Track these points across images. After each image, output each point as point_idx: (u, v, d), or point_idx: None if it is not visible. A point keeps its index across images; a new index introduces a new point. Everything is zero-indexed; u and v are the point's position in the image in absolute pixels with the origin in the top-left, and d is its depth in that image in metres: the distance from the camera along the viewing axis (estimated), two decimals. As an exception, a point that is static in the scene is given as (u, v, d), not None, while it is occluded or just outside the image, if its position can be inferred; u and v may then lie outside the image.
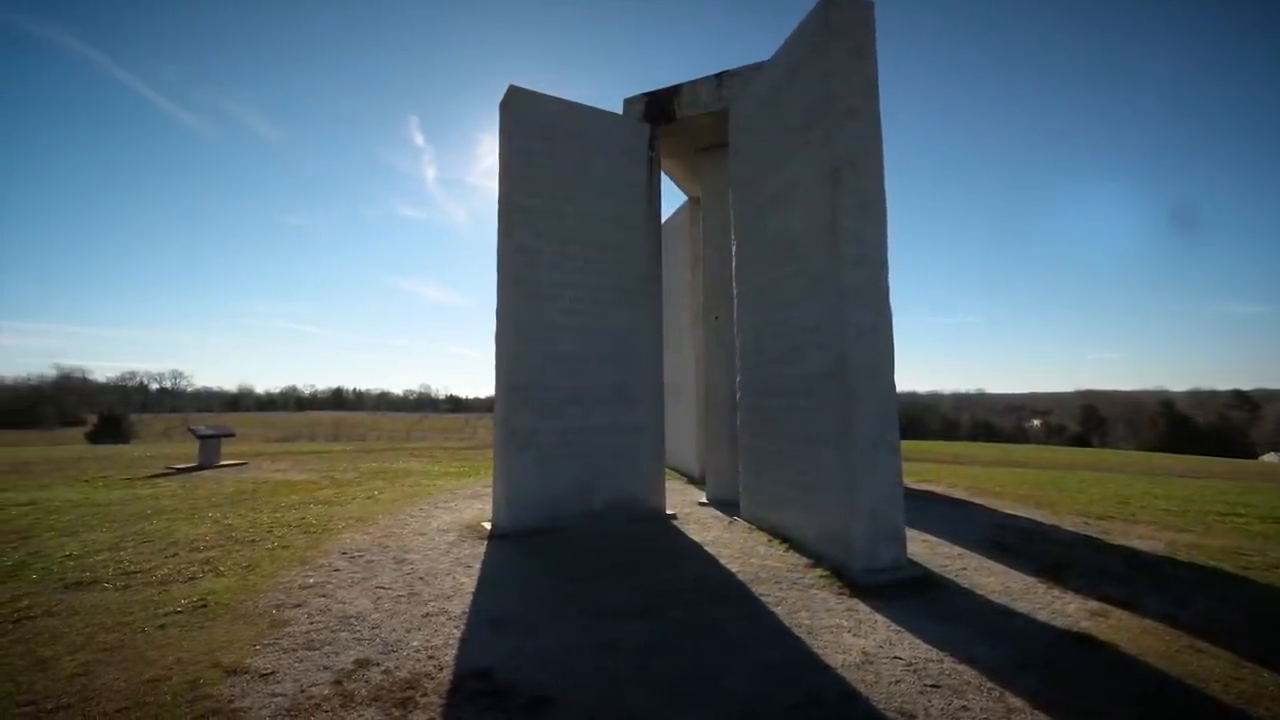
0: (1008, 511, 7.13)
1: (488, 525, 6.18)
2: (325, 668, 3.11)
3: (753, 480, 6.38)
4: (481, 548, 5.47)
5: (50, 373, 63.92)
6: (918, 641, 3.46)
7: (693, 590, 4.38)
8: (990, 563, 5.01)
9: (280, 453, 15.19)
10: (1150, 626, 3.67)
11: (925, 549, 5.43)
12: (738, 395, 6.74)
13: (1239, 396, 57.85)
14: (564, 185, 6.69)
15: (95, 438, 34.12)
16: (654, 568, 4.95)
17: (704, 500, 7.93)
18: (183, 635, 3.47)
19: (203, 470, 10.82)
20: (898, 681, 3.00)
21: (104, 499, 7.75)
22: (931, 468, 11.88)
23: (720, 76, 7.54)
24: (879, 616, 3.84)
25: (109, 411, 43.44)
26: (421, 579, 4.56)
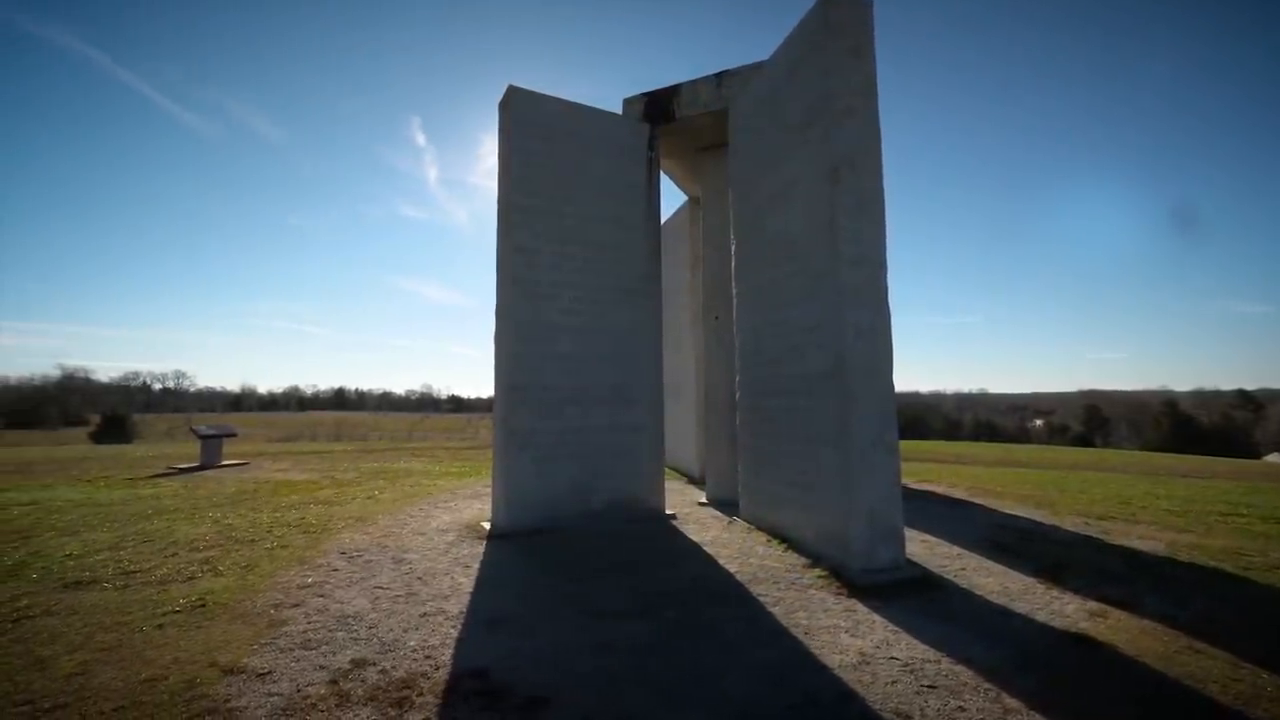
0: (1008, 511, 7.11)
1: (487, 525, 6.19)
2: (322, 667, 3.11)
3: (752, 480, 6.38)
4: (480, 548, 5.48)
5: (54, 373, 64.22)
6: (915, 642, 3.45)
7: (691, 590, 4.37)
8: (989, 563, 4.99)
9: (282, 453, 15.22)
10: (1149, 627, 3.66)
11: (924, 549, 5.42)
12: (737, 395, 6.74)
13: (1243, 396, 57.64)
14: (563, 185, 6.69)
15: (98, 438, 34.25)
16: (652, 568, 4.95)
17: (704, 500, 7.92)
18: (180, 635, 3.47)
19: (204, 470, 10.85)
20: (894, 682, 3.00)
21: (105, 499, 7.78)
22: (933, 468, 11.85)
23: (720, 76, 7.53)
24: (877, 617, 3.83)
25: (112, 411, 43.60)
26: (420, 579, 4.56)
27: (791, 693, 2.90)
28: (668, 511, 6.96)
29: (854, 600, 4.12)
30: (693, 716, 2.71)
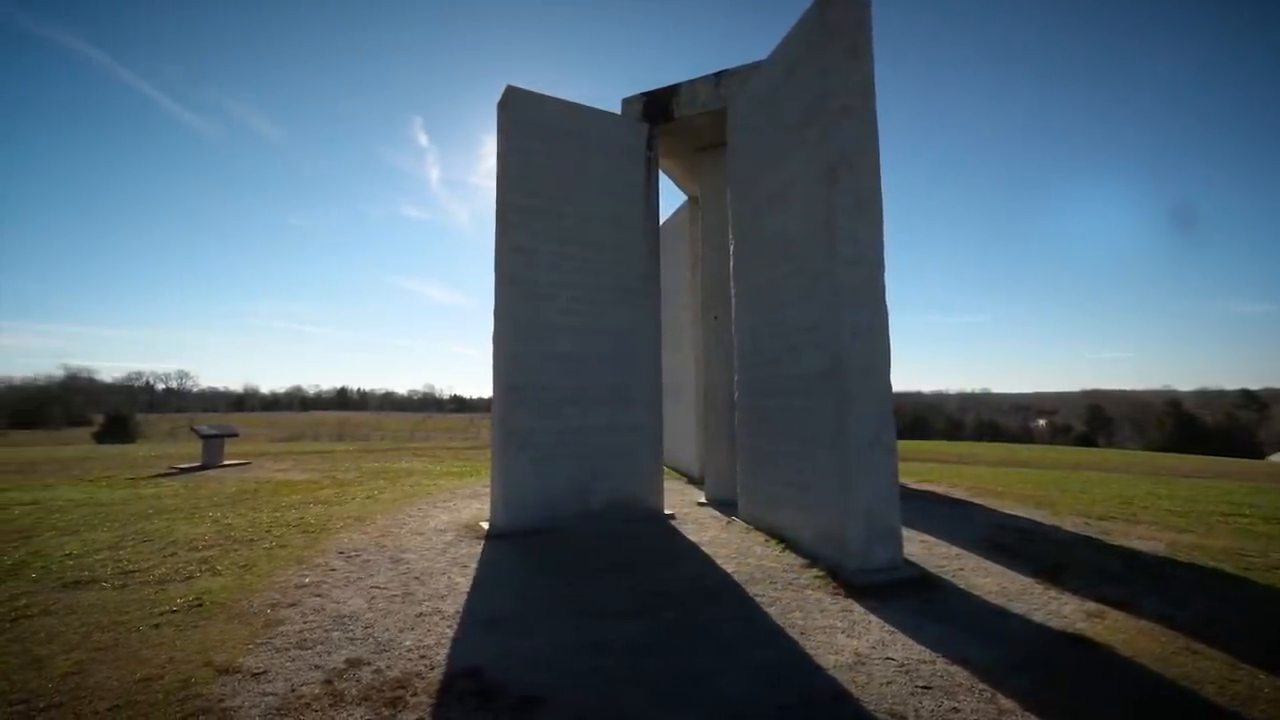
0: (1008, 512, 7.09)
1: (485, 525, 6.19)
2: (317, 667, 3.11)
3: (750, 480, 6.37)
4: (478, 548, 5.48)
5: (58, 373, 64.49)
6: (911, 642, 3.45)
7: (688, 590, 4.37)
8: (988, 563, 4.98)
9: (283, 453, 15.25)
10: (1147, 628, 3.64)
11: (923, 549, 5.41)
12: (736, 395, 6.73)
13: (1247, 396, 57.40)
14: (562, 185, 6.69)
15: (102, 438, 34.38)
16: (650, 568, 4.95)
17: (703, 500, 7.92)
18: (177, 634, 3.48)
19: (206, 470, 10.88)
20: (889, 683, 2.99)
21: (107, 499, 7.81)
22: (934, 468, 11.83)
23: (719, 76, 7.52)
24: (873, 617, 3.82)
25: (115, 411, 43.75)
26: (417, 579, 4.57)
27: (786, 693, 2.90)
28: (666, 511, 6.96)
29: (851, 600, 4.11)
30: (687, 716, 2.71)
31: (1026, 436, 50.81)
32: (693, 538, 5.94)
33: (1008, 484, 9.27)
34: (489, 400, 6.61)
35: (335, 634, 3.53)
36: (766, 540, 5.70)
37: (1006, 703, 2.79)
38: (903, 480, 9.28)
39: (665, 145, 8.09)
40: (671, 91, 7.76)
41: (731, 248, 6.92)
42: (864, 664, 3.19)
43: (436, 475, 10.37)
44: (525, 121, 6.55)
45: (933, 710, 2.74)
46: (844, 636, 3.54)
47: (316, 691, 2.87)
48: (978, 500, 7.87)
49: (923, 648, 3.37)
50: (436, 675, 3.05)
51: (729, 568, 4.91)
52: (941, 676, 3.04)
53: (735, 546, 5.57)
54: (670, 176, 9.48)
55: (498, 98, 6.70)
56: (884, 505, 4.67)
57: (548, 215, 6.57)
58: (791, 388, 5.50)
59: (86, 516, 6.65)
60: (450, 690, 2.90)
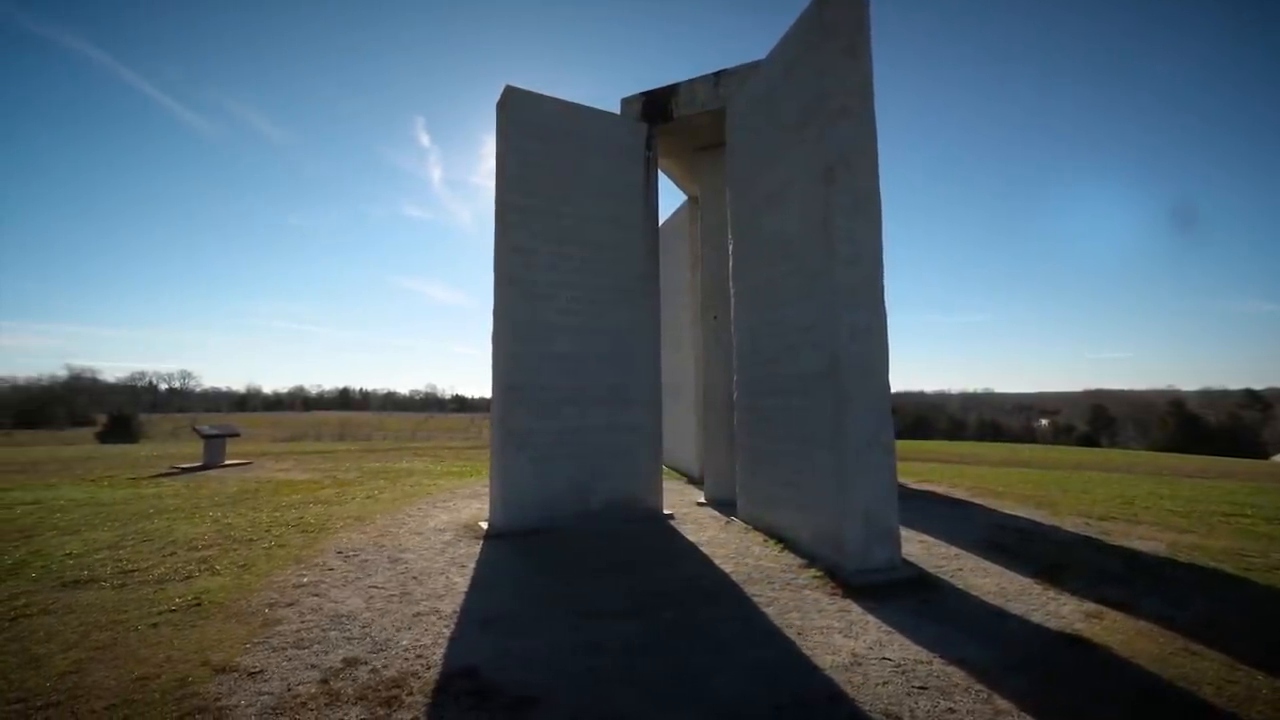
0: (1008, 512, 7.07)
1: (484, 525, 6.20)
2: (313, 666, 3.12)
3: (749, 480, 6.37)
4: (477, 547, 5.49)
5: (61, 373, 64.73)
6: (908, 643, 3.44)
7: (685, 591, 4.37)
8: (987, 563, 4.97)
9: (285, 452, 15.29)
10: (1145, 628, 3.63)
11: (922, 549, 5.39)
12: (735, 395, 6.73)
13: (1251, 396, 57.12)
14: (561, 185, 6.69)
15: (105, 437, 34.50)
16: (648, 568, 4.94)
17: (702, 500, 7.91)
18: (175, 634, 3.49)
19: (207, 470, 10.91)
20: (885, 683, 2.98)
21: (108, 498, 7.83)
22: (935, 468, 11.80)
23: (718, 75, 7.52)
24: (870, 618, 3.82)
25: (119, 411, 43.89)
26: (415, 578, 4.57)
27: (781, 693, 2.89)
28: (666, 511, 6.96)
29: (848, 601, 4.11)
30: (681, 717, 2.71)
31: (1029, 436, 50.66)
32: (691, 538, 5.94)
33: (1008, 484, 9.25)
34: (490, 400, 6.61)
35: (332, 633, 3.53)
36: (765, 540, 5.69)
37: (1003, 703, 2.79)
38: (903, 480, 9.29)
39: (665, 145, 8.09)
40: (670, 91, 7.75)
41: (730, 247, 6.92)
42: (860, 664, 3.18)
43: (437, 475, 10.38)
44: (524, 121, 6.55)
45: (928, 710, 2.73)
46: (841, 637, 3.54)
47: (312, 691, 2.87)
48: (978, 500, 7.86)
49: (920, 648, 3.36)
50: (432, 675, 3.05)
51: (727, 568, 4.91)
52: (938, 677, 3.04)
53: (734, 546, 5.56)
54: (670, 176, 9.48)
55: (498, 98, 6.71)
56: (882, 505, 4.67)
57: (546, 215, 6.57)
58: (790, 387, 5.49)
59: (88, 516, 6.67)
60: (446, 690, 2.90)
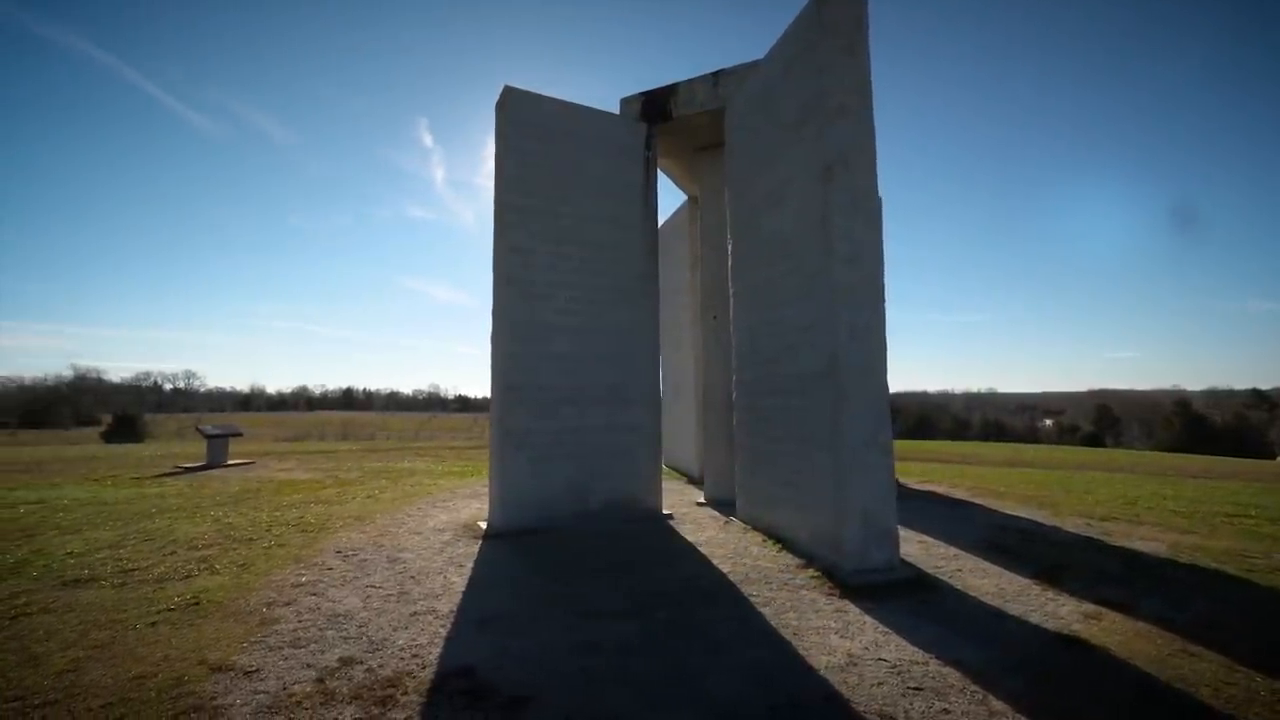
0: (1009, 512, 7.05)
1: (483, 525, 6.20)
2: (309, 665, 3.13)
3: (748, 480, 6.36)
4: (475, 547, 5.49)
5: (67, 373, 65.11)
6: (904, 643, 3.43)
7: (683, 591, 4.36)
8: (986, 564, 4.95)
9: (288, 452, 15.35)
10: (1144, 629, 3.61)
11: (920, 550, 5.38)
12: (734, 394, 6.72)
13: (1257, 396, 56.79)
14: (560, 185, 6.69)
15: (110, 437, 34.65)
16: (646, 568, 4.94)
17: (702, 500, 7.91)
18: (173, 633, 3.51)
19: (210, 469, 10.96)
20: (880, 684, 2.97)
21: (111, 498, 7.87)
22: (937, 468, 11.77)
23: (717, 75, 7.51)
24: (867, 618, 3.81)
25: (123, 411, 44.10)
26: (413, 578, 4.58)
27: (776, 694, 2.89)
28: (665, 511, 6.95)
29: (846, 601, 4.10)
30: (675, 717, 2.70)
31: (1033, 436, 50.45)
32: (690, 538, 5.94)
33: (1010, 484, 9.22)
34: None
35: (329, 633, 3.54)
36: (764, 540, 5.68)
37: (998, 704, 2.77)
38: (903, 480, 9.27)
39: (664, 145, 8.09)
40: (670, 91, 7.75)
41: (729, 247, 6.91)
42: (856, 665, 3.18)
43: (438, 475, 10.40)
44: (522, 122, 6.56)
45: (923, 711, 2.72)
46: (837, 637, 3.53)
47: (308, 690, 2.88)
48: (979, 500, 7.83)
49: (916, 649, 3.35)
50: (428, 674, 3.06)
51: (725, 568, 4.90)
52: (934, 678, 3.03)
53: (732, 547, 5.56)
54: (670, 176, 9.47)
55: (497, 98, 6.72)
56: (880, 505, 4.65)
57: (545, 215, 6.57)
58: (789, 387, 5.48)
59: (90, 515, 6.71)
60: (441, 689, 2.90)
